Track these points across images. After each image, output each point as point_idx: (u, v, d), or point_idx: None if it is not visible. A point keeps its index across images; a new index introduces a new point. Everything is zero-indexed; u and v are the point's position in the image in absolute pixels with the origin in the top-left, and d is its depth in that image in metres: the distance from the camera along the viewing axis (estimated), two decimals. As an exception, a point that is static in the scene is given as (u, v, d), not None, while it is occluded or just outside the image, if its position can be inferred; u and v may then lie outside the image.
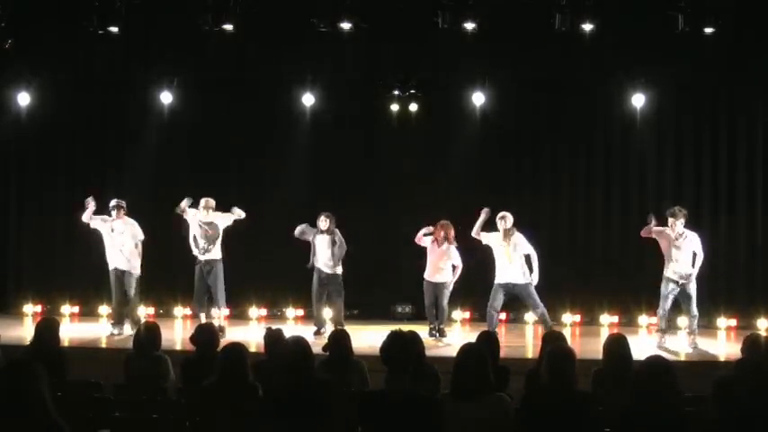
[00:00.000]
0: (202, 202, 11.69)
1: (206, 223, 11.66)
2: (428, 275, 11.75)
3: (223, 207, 11.82)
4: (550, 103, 13.04)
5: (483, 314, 12.66)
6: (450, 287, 11.77)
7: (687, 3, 11.29)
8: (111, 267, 11.81)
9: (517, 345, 11.44)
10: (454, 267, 11.74)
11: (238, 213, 11.78)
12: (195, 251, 11.72)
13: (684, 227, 10.96)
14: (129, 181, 13.67)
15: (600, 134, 13.36)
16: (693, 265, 10.93)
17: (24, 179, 13.94)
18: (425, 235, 11.67)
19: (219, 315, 11.73)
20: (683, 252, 10.90)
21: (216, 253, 11.70)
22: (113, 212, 11.75)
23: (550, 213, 13.35)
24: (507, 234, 11.21)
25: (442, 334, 11.69)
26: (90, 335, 11.70)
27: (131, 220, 11.88)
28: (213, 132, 13.45)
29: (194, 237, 11.72)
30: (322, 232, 11.74)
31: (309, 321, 12.49)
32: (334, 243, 11.70)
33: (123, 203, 11.80)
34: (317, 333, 11.51)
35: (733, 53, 12.24)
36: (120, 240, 11.75)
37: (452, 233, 11.59)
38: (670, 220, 10.91)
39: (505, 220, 11.26)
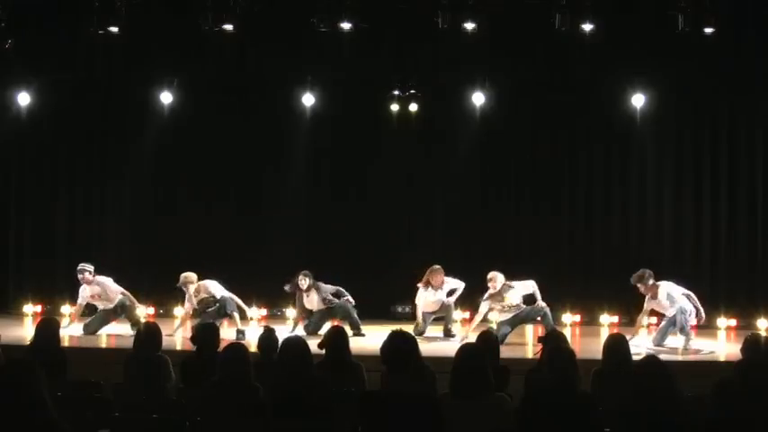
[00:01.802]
0: (191, 289, 11.43)
1: (202, 302, 11.46)
2: (427, 309, 11.79)
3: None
4: (550, 103, 13.03)
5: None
6: (452, 300, 11.81)
7: (687, 3, 11.29)
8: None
9: (517, 345, 11.42)
10: (453, 291, 11.78)
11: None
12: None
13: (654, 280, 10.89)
14: (129, 181, 13.68)
15: (600, 134, 13.36)
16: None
17: (24, 179, 13.94)
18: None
19: (236, 317, 11.72)
20: (664, 301, 10.89)
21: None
22: (79, 277, 11.60)
23: (550, 213, 13.34)
24: (504, 292, 11.21)
25: (449, 334, 11.68)
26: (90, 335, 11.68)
27: (101, 281, 11.69)
28: (213, 132, 13.44)
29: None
30: (304, 291, 11.67)
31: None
32: (323, 299, 11.64)
33: (88, 267, 11.62)
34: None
35: (733, 53, 12.24)
36: (104, 301, 11.69)
37: (441, 279, 11.62)
38: (640, 286, 10.83)
39: (493, 281, 11.19)
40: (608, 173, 13.41)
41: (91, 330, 11.65)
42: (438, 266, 11.66)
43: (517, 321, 11.42)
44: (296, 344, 6.23)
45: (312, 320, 11.76)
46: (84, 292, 11.72)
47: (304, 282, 11.64)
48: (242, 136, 13.46)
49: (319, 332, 11.44)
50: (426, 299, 11.74)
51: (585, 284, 13.03)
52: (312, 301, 11.72)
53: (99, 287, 11.70)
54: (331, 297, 11.67)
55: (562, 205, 13.47)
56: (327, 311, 11.79)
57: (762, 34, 12.14)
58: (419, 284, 11.72)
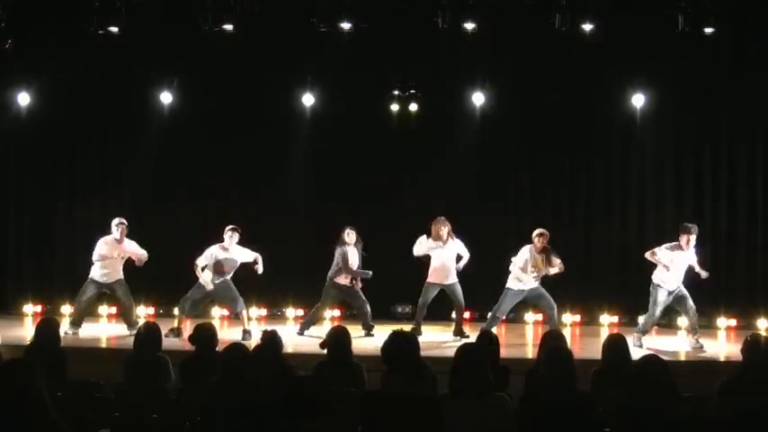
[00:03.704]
0: (228, 232, 11.44)
1: (226, 260, 11.41)
2: (438, 279, 11.68)
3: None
4: (550, 103, 13.01)
5: (483, 315, 12.68)
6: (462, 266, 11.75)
7: (687, 3, 11.30)
8: (92, 277, 11.70)
9: (517, 345, 11.44)
10: (459, 258, 11.73)
11: (256, 257, 11.60)
12: (203, 281, 11.45)
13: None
14: (129, 180, 13.67)
15: (600, 134, 13.35)
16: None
17: (24, 179, 13.94)
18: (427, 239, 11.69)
19: (244, 317, 11.69)
20: (687, 265, 10.95)
21: (226, 277, 11.57)
22: (117, 231, 11.58)
23: (550, 213, 13.33)
24: (545, 251, 11.30)
25: (461, 333, 11.62)
26: (90, 335, 11.67)
27: (130, 243, 11.75)
28: (213, 132, 13.44)
29: (207, 267, 11.46)
30: (349, 245, 11.69)
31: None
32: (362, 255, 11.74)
33: (125, 222, 11.67)
34: (301, 333, 11.55)
35: (733, 53, 12.24)
36: (119, 262, 11.66)
37: (449, 228, 11.62)
38: (685, 236, 10.88)
39: (544, 237, 11.32)
40: (608, 173, 13.40)
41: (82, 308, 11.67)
42: (442, 217, 11.64)
43: (519, 299, 11.51)
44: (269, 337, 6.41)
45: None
46: (113, 247, 11.57)
47: (352, 236, 11.65)
48: (242, 136, 13.44)
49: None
50: (438, 252, 11.63)
51: (585, 284, 13.02)
52: (355, 256, 11.69)
53: (129, 247, 11.65)
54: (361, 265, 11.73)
55: (562, 205, 13.47)
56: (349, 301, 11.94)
57: (762, 34, 12.14)
58: (426, 237, 11.67)
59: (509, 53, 12.51)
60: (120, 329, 11.82)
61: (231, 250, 11.50)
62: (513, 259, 11.38)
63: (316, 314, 11.89)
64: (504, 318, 11.85)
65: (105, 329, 12.04)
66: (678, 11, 11.33)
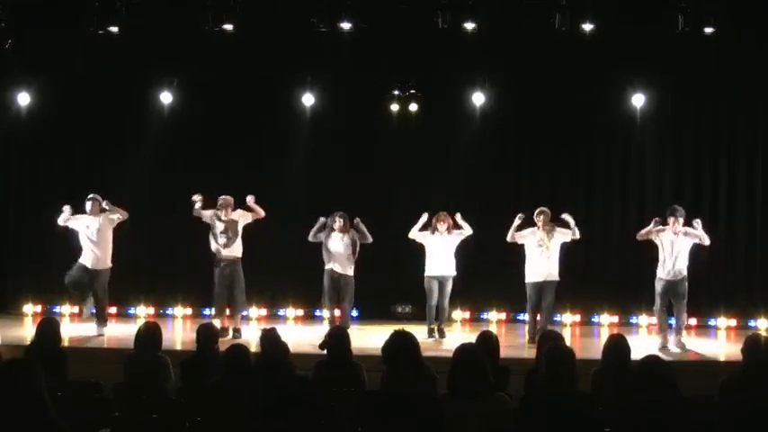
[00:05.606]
0: (220, 200, 11.58)
1: (226, 221, 11.54)
2: (432, 270, 11.70)
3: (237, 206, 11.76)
4: (550, 103, 13.02)
5: (482, 314, 12.70)
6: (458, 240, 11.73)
7: (687, 3, 11.31)
8: (81, 261, 11.73)
9: (517, 345, 11.43)
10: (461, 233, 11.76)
11: (258, 211, 11.63)
12: (215, 246, 11.57)
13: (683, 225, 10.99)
14: (129, 181, 13.66)
15: (600, 134, 13.35)
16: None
17: (24, 179, 13.94)
18: (421, 230, 11.68)
19: (237, 318, 11.70)
20: (682, 251, 10.89)
21: (237, 249, 11.60)
22: (88, 205, 11.65)
23: (550, 213, 13.32)
24: (547, 230, 11.28)
25: (441, 334, 11.67)
26: (90, 335, 11.66)
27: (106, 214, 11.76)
28: (213, 132, 13.44)
29: (213, 234, 11.58)
30: (335, 231, 11.69)
31: (309, 321, 12.51)
32: (351, 243, 11.69)
33: (99, 197, 11.69)
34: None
35: (733, 53, 12.25)
36: (97, 238, 11.64)
37: (449, 223, 11.63)
38: (671, 219, 10.89)
39: (544, 215, 11.33)
40: (608, 173, 13.40)
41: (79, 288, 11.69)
42: (443, 213, 11.68)
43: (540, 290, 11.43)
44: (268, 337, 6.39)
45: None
46: (81, 221, 11.67)
47: (339, 222, 11.66)
48: (242, 136, 13.45)
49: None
50: (434, 243, 11.63)
51: (585, 284, 13.02)
52: (338, 244, 11.69)
53: (105, 219, 11.64)
54: (356, 247, 11.72)
55: (562, 205, 13.42)
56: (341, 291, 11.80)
57: (762, 34, 12.14)
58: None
59: (509, 53, 12.51)
60: (121, 329, 11.77)
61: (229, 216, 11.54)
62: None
63: (329, 310, 11.87)
64: (541, 311, 11.52)
65: (105, 329, 11.99)
66: (678, 11, 11.34)
